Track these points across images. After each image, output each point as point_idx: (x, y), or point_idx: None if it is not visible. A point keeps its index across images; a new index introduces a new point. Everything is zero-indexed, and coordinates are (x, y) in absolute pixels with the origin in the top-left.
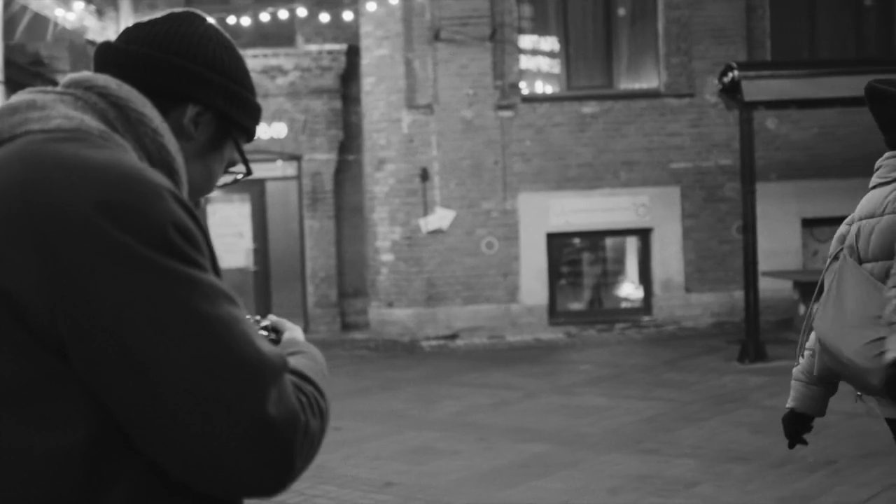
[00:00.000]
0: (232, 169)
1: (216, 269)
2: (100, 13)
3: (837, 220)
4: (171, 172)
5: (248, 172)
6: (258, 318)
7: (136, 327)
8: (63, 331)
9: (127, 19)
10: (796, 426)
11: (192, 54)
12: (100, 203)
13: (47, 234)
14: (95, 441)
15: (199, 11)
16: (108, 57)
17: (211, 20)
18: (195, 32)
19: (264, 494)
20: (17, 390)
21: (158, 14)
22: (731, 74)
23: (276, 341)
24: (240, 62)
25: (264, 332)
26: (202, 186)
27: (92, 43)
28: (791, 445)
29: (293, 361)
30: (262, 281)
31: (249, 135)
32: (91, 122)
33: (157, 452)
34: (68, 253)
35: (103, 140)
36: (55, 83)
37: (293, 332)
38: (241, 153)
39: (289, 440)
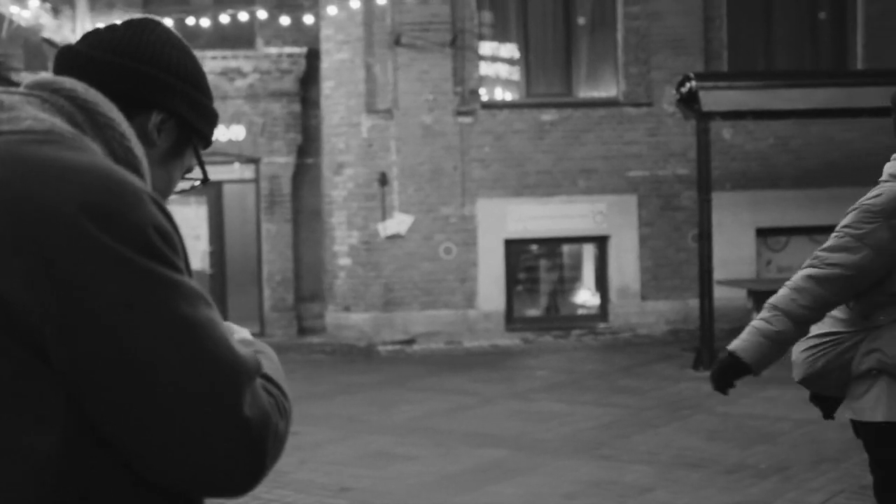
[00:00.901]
0: (189, 175)
1: (189, 272)
2: (56, 11)
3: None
4: (138, 177)
5: (206, 179)
6: None
7: (115, 328)
8: (46, 331)
9: (83, 18)
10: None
11: (157, 61)
12: (83, 205)
13: (31, 234)
14: (71, 443)
15: (156, 17)
16: (72, 61)
17: (169, 25)
18: (158, 39)
19: (237, 494)
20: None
21: (117, 20)
22: (688, 85)
23: None
24: (199, 68)
25: None
26: (163, 192)
27: (48, 41)
28: (724, 391)
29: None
30: (219, 284)
31: (207, 141)
32: (61, 124)
33: (134, 453)
34: (52, 254)
35: (77, 143)
36: (10, 81)
37: (240, 333)
38: (200, 159)
39: (262, 441)
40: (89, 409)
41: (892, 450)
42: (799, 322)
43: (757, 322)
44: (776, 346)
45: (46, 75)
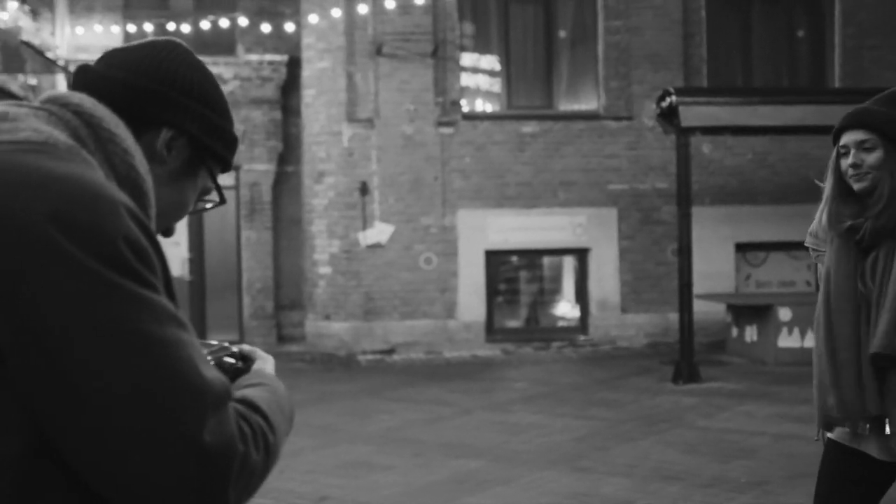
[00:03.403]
0: (206, 197)
1: (170, 290)
2: (35, 14)
3: (769, 245)
4: (139, 193)
5: (222, 201)
6: (227, 343)
7: (71, 340)
8: (3, 336)
9: (62, 21)
10: None
11: (167, 79)
12: (51, 214)
13: None
14: (28, 453)
15: (179, 40)
16: (86, 78)
17: (188, 47)
18: (174, 59)
19: None
20: None
21: (140, 41)
22: (668, 99)
23: (244, 370)
24: (217, 91)
25: (231, 360)
26: (174, 212)
27: (26, 44)
28: None
29: (250, 393)
30: (198, 291)
31: (225, 164)
32: (60, 136)
33: (86, 471)
34: (14, 260)
35: (70, 154)
36: None
37: (264, 362)
38: (215, 181)
39: (223, 469)
40: (41, 420)
41: None
42: None
43: None
44: None
45: (61, 91)
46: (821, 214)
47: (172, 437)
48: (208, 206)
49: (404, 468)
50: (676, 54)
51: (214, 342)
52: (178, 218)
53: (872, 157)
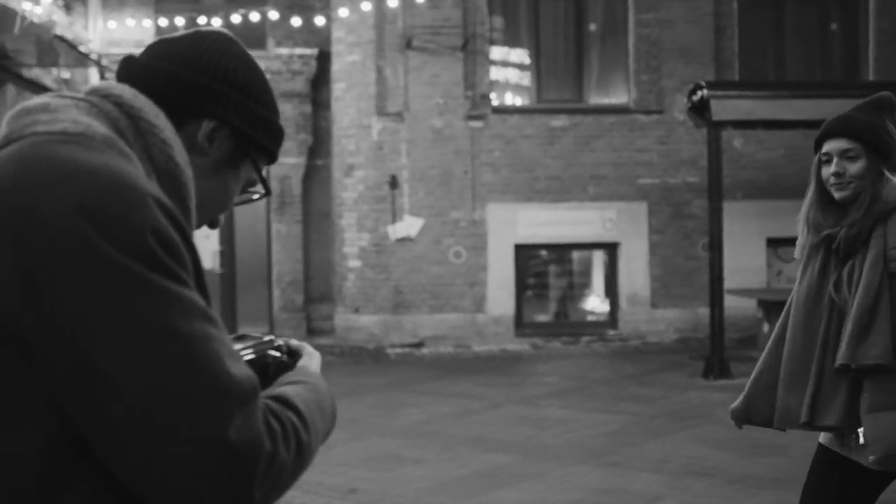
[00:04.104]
0: (251, 189)
1: (201, 284)
2: (68, 8)
3: None
4: (178, 185)
5: (268, 192)
6: (272, 337)
7: (98, 333)
8: (28, 330)
9: (95, 15)
10: None
11: (209, 70)
12: (79, 205)
13: (25, 232)
14: (54, 448)
15: (226, 31)
16: (129, 69)
17: (237, 39)
18: (216, 49)
19: None
20: None
21: (186, 31)
22: (699, 93)
23: (289, 365)
24: (262, 82)
25: (276, 353)
26: (217, 203)
27: (59, 38)
28: None
29: (288, 390)
30: (228, 283)
31: (271, 156)
32: (98, 127)
33: (112, 464)
34: (42, 251)
35: (106, 146)
36: (20, 77)
37: (310, 359)
38: (259, 173)
39: (249, 467)
40: (69, 413)
41: None
42: None
43: None
44: None
45: (104, 81)
46: (803, 225)
47: (196, 433)
48: (255, 196)
49: (434, 462)
50: (708, 47)
51: (260, 336)
52: (222, 210)
53: (855, 167)
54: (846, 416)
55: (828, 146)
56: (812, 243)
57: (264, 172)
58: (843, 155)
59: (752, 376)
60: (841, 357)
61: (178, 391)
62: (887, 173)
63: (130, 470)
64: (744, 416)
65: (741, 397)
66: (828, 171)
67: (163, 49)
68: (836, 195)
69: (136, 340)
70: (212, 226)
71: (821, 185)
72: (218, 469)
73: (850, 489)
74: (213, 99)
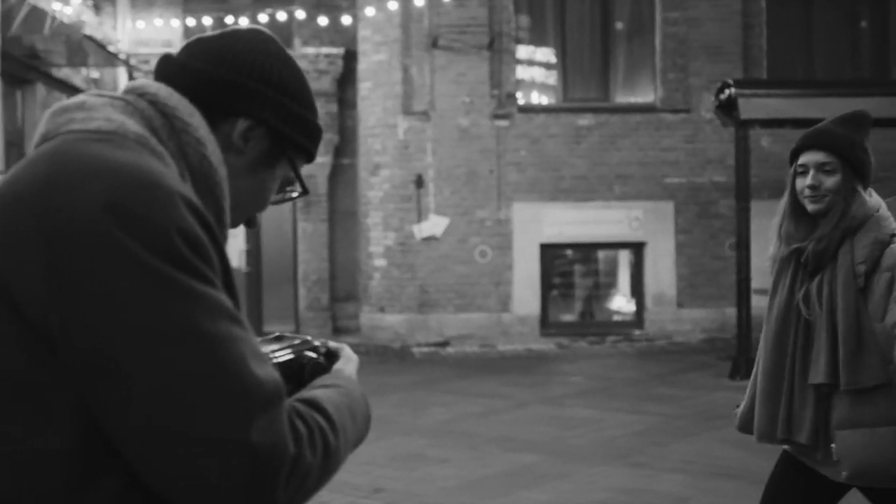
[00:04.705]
0: (288, 188)
1: (229, 284)
2: (97, 8)
3: None
4: (211, 184)
5: (305, 192)
6: (309, 338)
7: (120, 331)
8: (55, 326)
9: (124, 15)
10: None
11: (244, 69)
12: (107, 203)
13: (52, 229)
14: (83, 445)
15: (264, 29)
16: (166, 68)
17: (275, 37)
18: (253, 48)
19: None
20: (7, 383)
21: (224, 30)
22: (727, 91)
23: (326, 367)
24: (299, 81)
25: (313, 354)
26: (253, 203)
27: (89, 38)
28: None
29: (319, 393)
30: (255, 282)
31: (308, 154)
32: (132, 126)
33: (136, 464)
34: (68, 249)
35: (137, 144)
36: (50, 76)
37: (347, 362)
38: (297, 172)
39: (272, 470)
40: (93, 410)
41: None
42: None
43: None
44: None
45: (140, 80)
46: (775, 236)
47: (217, 434)
48: (294, 194)
49: (459, 461)
50: (735, 45)
51: (298, 337)
52: (260, 209)
53: (831, 181)
54: (814, 432)
55: (805, 158)
56: (783, 255)
57: (302, 171)
58: (820, 168)
59: (749, 387)
60: (824, 377)
61: (199, 391)
62: (860, 189)
63: (152, 469)
64: (744, 426)
65: (745, 403)
66: (803, 182)
67: (199, 48)
68: (810, 208)
69: (158, 339)
70: (249, 225)
71: (794, 197)
72: (240, 471)
73: (815, 496)
74: (248, 97)
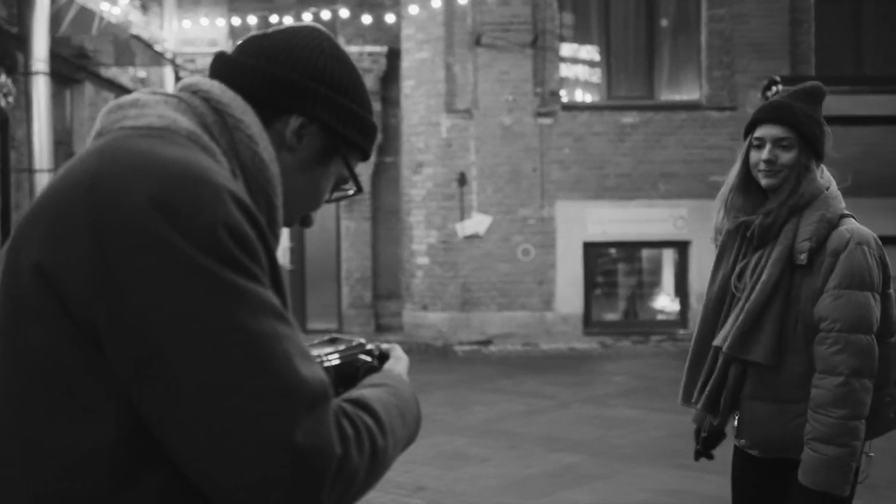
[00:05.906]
0: (343, 186)
1: (277, 281)
2: (144, 8)
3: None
4: (263, 181)
5: (359, 190)
6: (362, 340)
7: (163, 326)
8: (99, 319)
9: (170, 15)
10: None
11: (298, 66)
12: (153, 198)
13: (100, 223)
14: (126, 439)
15: (319, 26)
16: (220, 66)
17: (330, 34)
18: (307, 45)
19: None
20: (53, 378)
21: (280, 27)
22: (774, 89)
23: (375, 368)
24: (354, 79)
25: (367, 357)
26: (307, 200)
27: (136, 38)
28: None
29: (367, 393)
30: (298, 280)
31: (363, 152)
32: (184, 122)
33: (179, 461)
34: (114, 243)
35: (188, 140)
36: (98, 76)
37: (397, 363)
38: (350, 170)
39: (317, 471)
40: (135, 403)
41: None
42: None
43: None
44: None
45: (195, 77)
46: (721, 207)
47: (262, 435)
48: (350, 192)
49: (501, 460)
50: (783, 42)
51: (352, 340)
52: (314, 207)
53: (788, 156)
54: (713, 397)
55: (761, 131)
56: (728, 228)
57: (357, 169)
58: (778, 143)
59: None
60: (727, 347)
61: (242, 390)
62: (813, 166)
63: (194, 465)
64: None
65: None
66: (758, 156)
67: (254, 45)
68: (764, 182)
69: (201, 335)
70: (304, 223)
71: (746, 169)
72: (283, 472)
73: (760, 484)
74: (301, 95)
